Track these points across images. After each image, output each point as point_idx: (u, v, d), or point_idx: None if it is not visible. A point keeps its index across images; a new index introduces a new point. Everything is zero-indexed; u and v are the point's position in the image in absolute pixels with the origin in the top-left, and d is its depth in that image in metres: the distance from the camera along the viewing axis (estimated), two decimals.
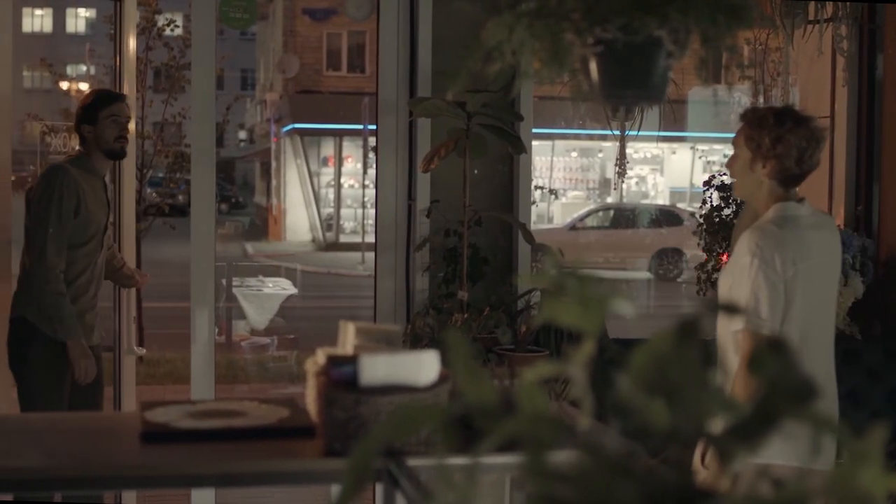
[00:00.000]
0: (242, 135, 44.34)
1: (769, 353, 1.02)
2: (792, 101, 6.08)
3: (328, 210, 30.42)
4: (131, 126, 5.35)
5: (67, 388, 4.97)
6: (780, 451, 3.56)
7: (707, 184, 5.50)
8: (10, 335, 4.98)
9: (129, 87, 5.87)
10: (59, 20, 44.30)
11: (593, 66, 2.27)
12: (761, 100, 6.09)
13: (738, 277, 3.58)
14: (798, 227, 3.61)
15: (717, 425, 1.05)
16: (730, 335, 3.61)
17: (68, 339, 4.88)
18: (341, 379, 2.72)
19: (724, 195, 5.43)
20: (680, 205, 26.06)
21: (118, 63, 5.89)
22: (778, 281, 3.52)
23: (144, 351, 5.98)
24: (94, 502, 5.06)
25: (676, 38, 2.20)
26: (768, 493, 0.97)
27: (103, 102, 5.14)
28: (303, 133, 30.81)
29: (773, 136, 3.54)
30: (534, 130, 5.39)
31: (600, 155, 27.82)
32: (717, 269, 5.41)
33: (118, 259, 5.49)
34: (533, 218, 5.57)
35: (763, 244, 3.54)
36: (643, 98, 2.36)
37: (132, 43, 6.00)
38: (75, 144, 5.25)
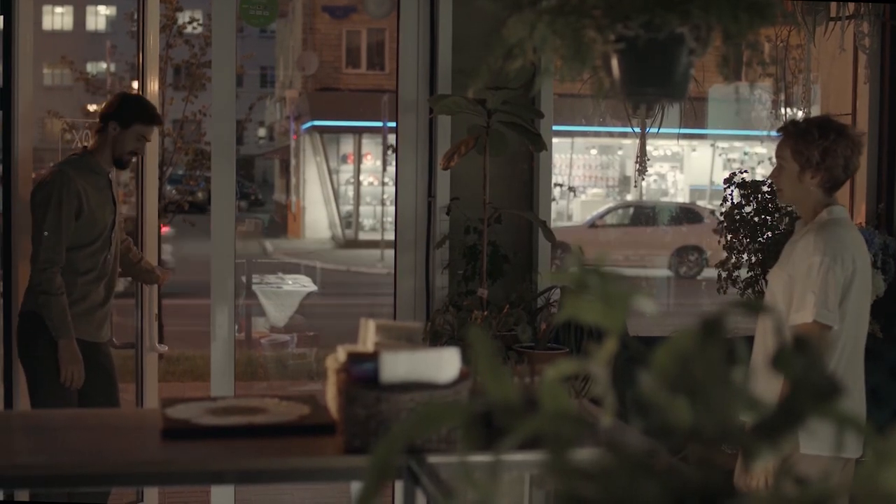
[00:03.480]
0: (262, 132, 44.40)
1: (794, 351, 1.02)
2: (813, 99, 6.05)
3: (347, 208, 30.42)
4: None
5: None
6: (811, 442, 3.61)
7: (728, 181, 5.48)
8: (19, 328, 5.02)
9: (151, 85, 5.88)
10: (79, 18, 44.41)
11: (615, 64, 2.27)
12: (782, 97, 6.06)
13: (803, 276, 3.75)
14: (850, 227, 3.87)
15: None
16: (766, 332, 3.75)
17: (59, 340, 4.90)
18: (362, 376, 2.72)
19: (745, 192, 5.41)
20: (700, 202, 26.00)
21: (140, 60, 5.90)
22: (842, 279, 3.74)
23: (166, 348, 5.98)
24: (98, 501, 5.08)
25: (698, 35, 2.19)
26: (792, 491, 0.97)
27: (142, 117, 5.13)
28: (322, 130, 30.83)
29: (821, 150, 3.76)
30: (554, 128, 5.38)
31: (620, 152, 27.76)
32: (737, 266, 5.39)
33: (134, 253, 5.50)
34: (552, 215, 5.56)
35: (830, 244, 3.74)
36: (665, 95, 2.35)
37: (154, 40, 6.01)
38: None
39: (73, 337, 4.92)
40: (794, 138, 3.83)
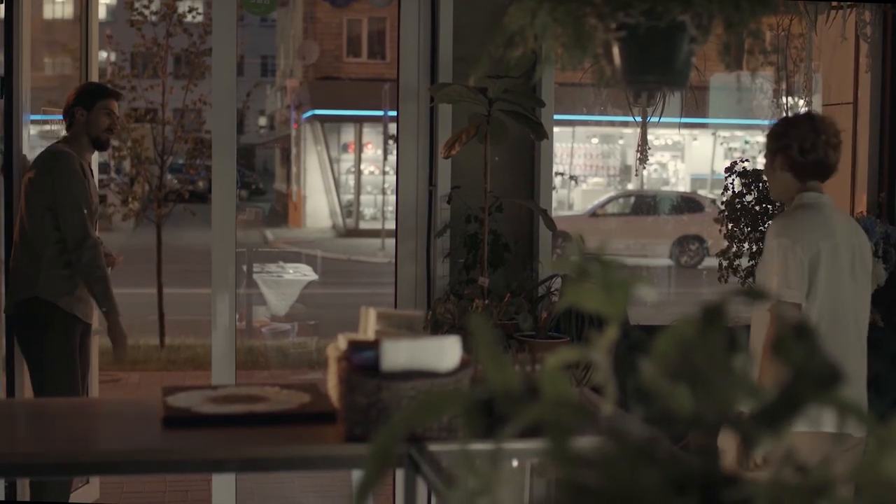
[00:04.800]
0: (262, 121, 44.37)
1: (795, 337, 1.01)
2: (815, 88, 6.05)
3: (348, 196, 30.40)
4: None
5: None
6: (814, 419, 3.61)
7: (729, 170, 5.47)
8: (21, 317, 5.03)
9: (93, 71, 6.07)
10: (79, 6, 44.31)
11: (616, 52, 2.26)
12: (784, 86, 6.05)
13: (767, 261, 3.96)
14: (820, 210, 3.96)
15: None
16: (760, 320, 3.79)
17: (111, 316, 4.99)
18: (363, 364, 2.72)
19: (746, 182, 5.41)
20: (701, 192, 25.97)
21: (85, 44, 6.21)
22: (804, 259, 3.86)
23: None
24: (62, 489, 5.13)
25: (700, 22, 2.19)
26: (793, 478, 0.97)
27: (101, 93, 5.36)
28: (323, 119, 30.80)
29: (775, 135, 4.04)
30: (555, 117, 5.37)
31: (621, 141, 27.72)
32: (738, 255, 5.38)
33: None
34: (553, 204, 5.55)
35: (789, 227, 3.92)
36: (666, 83, 2.34)
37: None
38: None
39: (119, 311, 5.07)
40: (770, 129, 4.13)
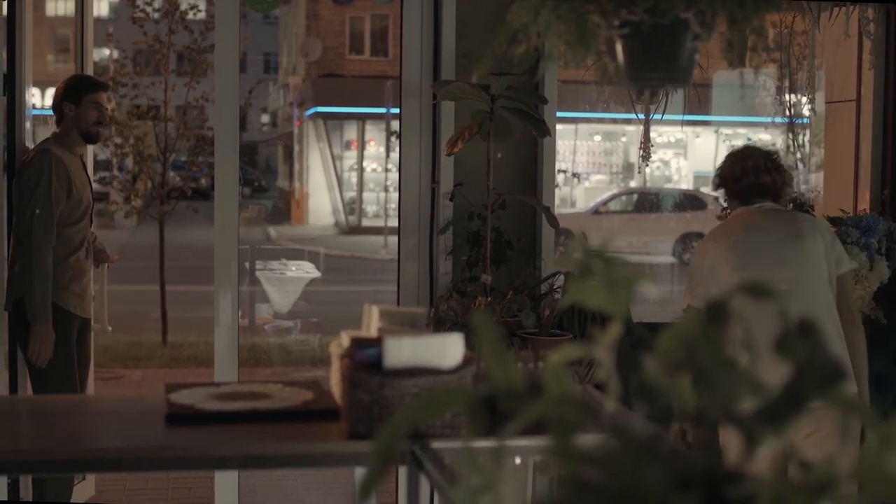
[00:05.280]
0: (265, 118, 44.40)
1: (797, 336, 1.01)
2: (818, 85, 6.04)
3: (351, 194, 30.43)
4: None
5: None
6: None
7: None
8: (18, 316, 5.02)
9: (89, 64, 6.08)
10: (81, 3, 44.31)
11: (619, 49, 2.26)
12: (787, 84, 6.05)
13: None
14: (730, 221, 4.38)
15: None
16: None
17: (36, 324, 4.93)
18: (366, 361, 2.72)
19: None
20: (704, 189, 25.94)
21: (81, 36, 6.10)
22: (701, 266, 4.30)
23: (110, 329, 6.02)
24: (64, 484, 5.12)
25: (703, 20, 2.19)
26: (796, 475, 0.97)
27: (89, 87, 5.31)
28: (325, 117, 30.81)
29: (713, 179, 4.52)
30: (557, 114, 5.37)
31: (624, 139, 27.72)
32: None
33: (92, 234, 5.53)
34: (556, 202, 5.55)
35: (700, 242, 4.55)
36: (669, 80, 2.34)
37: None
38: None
39: (49, 320, 4.96)
40: None
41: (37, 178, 4.98)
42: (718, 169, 4.51)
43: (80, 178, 5.19)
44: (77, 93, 5.22)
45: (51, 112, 5.33)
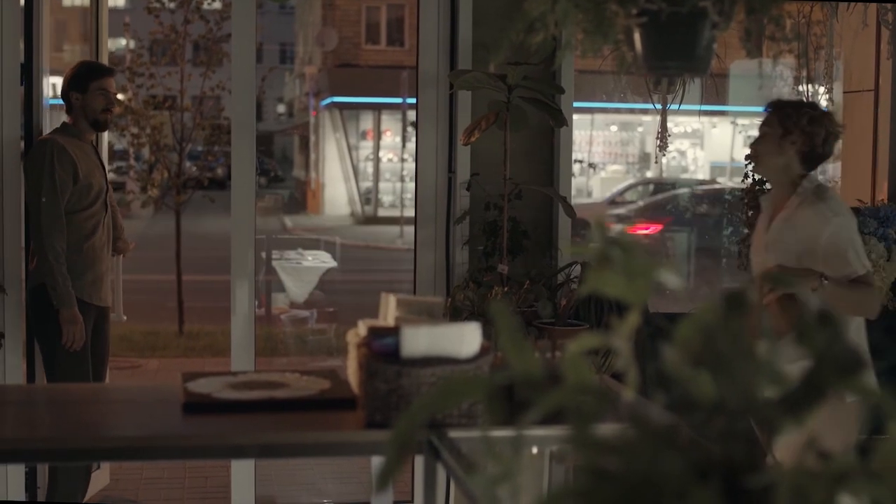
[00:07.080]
0: (281, 108, 44.39)
1: (817, 325, 1.01)
2: (835, 75, 6.02)
3: (367, 184, 30.41)
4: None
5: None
6: None
7: (748, 158, 5.45)
8: (33, 304, 5.04)
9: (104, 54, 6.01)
10: None
11: (637, 38, 2.25)
12: (804, 73, 6.03)
13: (831, 240, 3.94)
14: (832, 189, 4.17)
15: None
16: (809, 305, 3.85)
17: (63, 308, 4.94)
18: (383, 351, 2.72)
19: None
20: (720, 179, 25.89)
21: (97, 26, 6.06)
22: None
23: (125, 318, 6.02)
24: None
25: (721, 8, 2.18)
26: (815, 465, 0.96)
27: (94, 74, 5.27)
28: (342, 107, 30.79)
29: (809, 117, 4.01)
30: (574, 104, 5.36)
31: (640, 129, 27.65)
32: None
33: (119, 227, 5.52)
34: (572, 192, 5.54)
35: (839, 205, 4.02)
36: (687, 70, 2.33)
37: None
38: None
39: (74, 304, 4.97)
40: (785, 108, 4.09)
41: (39, 167, 4.98)
42: (818, 114, 4.09)
43: (89, 164, 5.15)
44: (83, 81, 5.20)
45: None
